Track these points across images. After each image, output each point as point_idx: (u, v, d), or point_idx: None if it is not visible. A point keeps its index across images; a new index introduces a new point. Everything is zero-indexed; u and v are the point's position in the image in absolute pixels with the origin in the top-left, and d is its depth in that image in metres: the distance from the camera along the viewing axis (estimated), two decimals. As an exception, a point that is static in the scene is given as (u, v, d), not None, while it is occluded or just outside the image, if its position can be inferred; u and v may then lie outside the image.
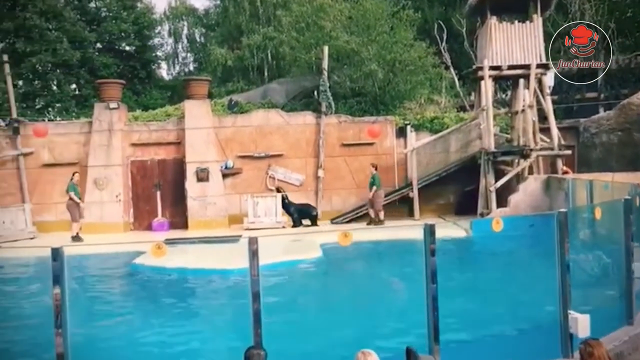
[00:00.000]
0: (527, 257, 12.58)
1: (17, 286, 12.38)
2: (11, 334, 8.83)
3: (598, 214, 7.54)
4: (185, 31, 37.10)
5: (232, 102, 21.67)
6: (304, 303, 10.20)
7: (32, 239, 16.81)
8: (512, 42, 16.73)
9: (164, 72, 35.40)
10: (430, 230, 5.72)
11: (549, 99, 17.40)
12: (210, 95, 20.81)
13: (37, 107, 26.00)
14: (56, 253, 5.18)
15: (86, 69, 26.11)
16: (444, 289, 5.88)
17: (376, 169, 17.56)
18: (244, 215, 17.78)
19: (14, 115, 18.77)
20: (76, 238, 16.03)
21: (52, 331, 5.13)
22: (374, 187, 17.24)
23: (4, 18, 25.16)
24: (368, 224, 17.26)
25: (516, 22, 17.15)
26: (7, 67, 19.21)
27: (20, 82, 25.28)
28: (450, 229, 15.78)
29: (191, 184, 18.17)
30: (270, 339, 5.46)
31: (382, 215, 17.30)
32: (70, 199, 16.31)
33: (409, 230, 12.86)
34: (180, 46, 37.16)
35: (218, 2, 33.51)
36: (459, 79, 24.52)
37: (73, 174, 16.83)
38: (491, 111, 16.84)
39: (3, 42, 26.35)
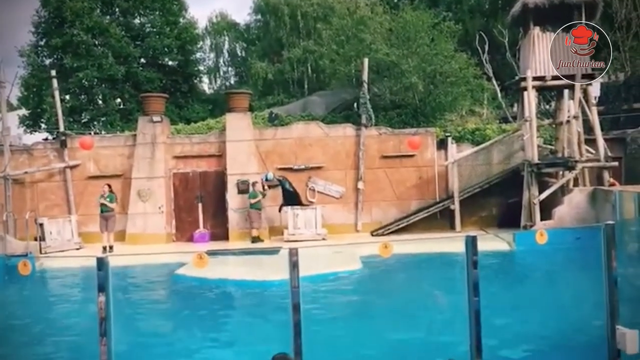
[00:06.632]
0: (573, 271, 12.31)
1: (64, 295, 12.69)
2: (57, 343, 9.02)
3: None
4: (226, 45, 37.66)
5: (273, 115, 21.86)
6: (343, 315, 10.15)
7: (78, 249, 17.17)
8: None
9: (206, 86, 35.92)
10: (472, 242, 5.63)
11: (594, 109, 17.03)
12: (251, 108, 20.98)
13: (83, 120, 26.60)
14: (101, 263, 5.28)
15: (130, 84, 26.66)
16: (487, 303, 5.77)
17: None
18: (284, 227, 17.85)
19: (62, 129, 19.28)
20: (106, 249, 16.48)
21: (97, 340, 5.21)
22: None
23: (52, 35, 25.96)
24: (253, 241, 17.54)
25: (560, 32, 16.86)
26: (55, 82, 19.73)
27: (67, 97, 25.88)
28: (493, 242, 15.56)
29: (232, 196, 18.34)
30: (309, 351, 5.44)
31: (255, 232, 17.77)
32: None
33: (450, 242, 12.71)
34: (221, 60, 37.72)
35: (259, 16, 33.96)
36: (501, 90, 24.21)
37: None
38: (535, 122, 16.56)
39: (51, 58, 27.14)
